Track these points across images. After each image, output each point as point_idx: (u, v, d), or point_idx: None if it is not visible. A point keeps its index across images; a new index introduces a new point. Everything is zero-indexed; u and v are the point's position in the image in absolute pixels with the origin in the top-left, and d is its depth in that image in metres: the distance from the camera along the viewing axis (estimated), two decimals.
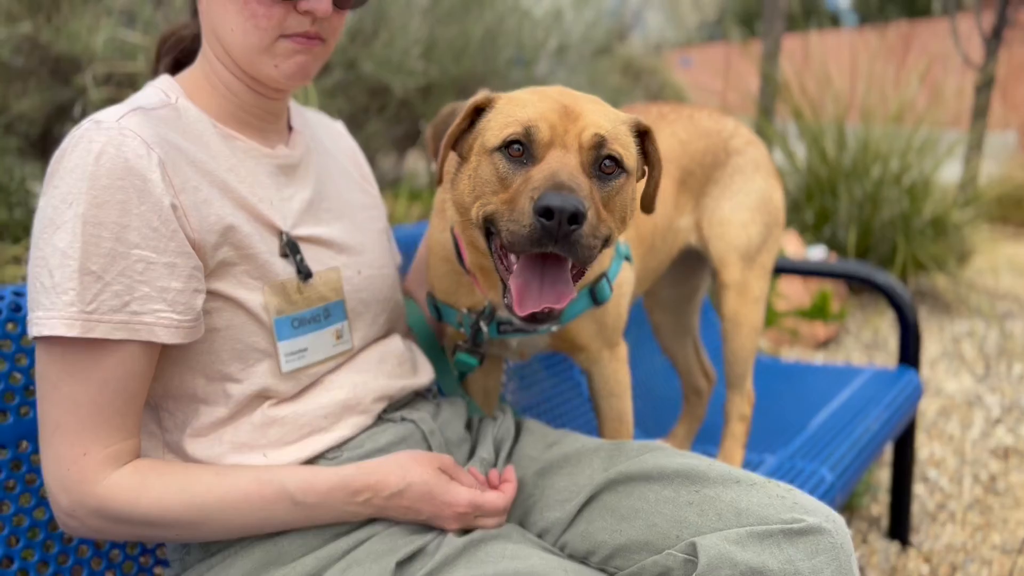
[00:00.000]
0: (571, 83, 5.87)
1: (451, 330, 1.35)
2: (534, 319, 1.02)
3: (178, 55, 1.25)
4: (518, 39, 5.05)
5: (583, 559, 1.13)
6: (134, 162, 1.01)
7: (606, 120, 1.08)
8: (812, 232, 4.96)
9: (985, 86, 6.64)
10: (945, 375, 3.87)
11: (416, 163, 5.46)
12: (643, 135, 1.16)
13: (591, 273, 1.25)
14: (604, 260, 1.27)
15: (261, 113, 1.20)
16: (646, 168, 1.19)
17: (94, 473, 1.02)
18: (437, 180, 1.16)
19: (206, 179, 1.09)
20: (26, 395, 1.19)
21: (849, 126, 5.12)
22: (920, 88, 5.39)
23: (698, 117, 1.62)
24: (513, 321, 1.21)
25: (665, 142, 1.54)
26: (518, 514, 1.22)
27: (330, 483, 1.07)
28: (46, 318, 1.00)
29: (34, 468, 1.20)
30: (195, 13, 1.22)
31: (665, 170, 1.52)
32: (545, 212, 0.95)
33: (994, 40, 6.83)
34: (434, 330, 1.43)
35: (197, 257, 1.07)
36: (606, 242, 1.06)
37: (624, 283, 1.34)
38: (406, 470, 1.09)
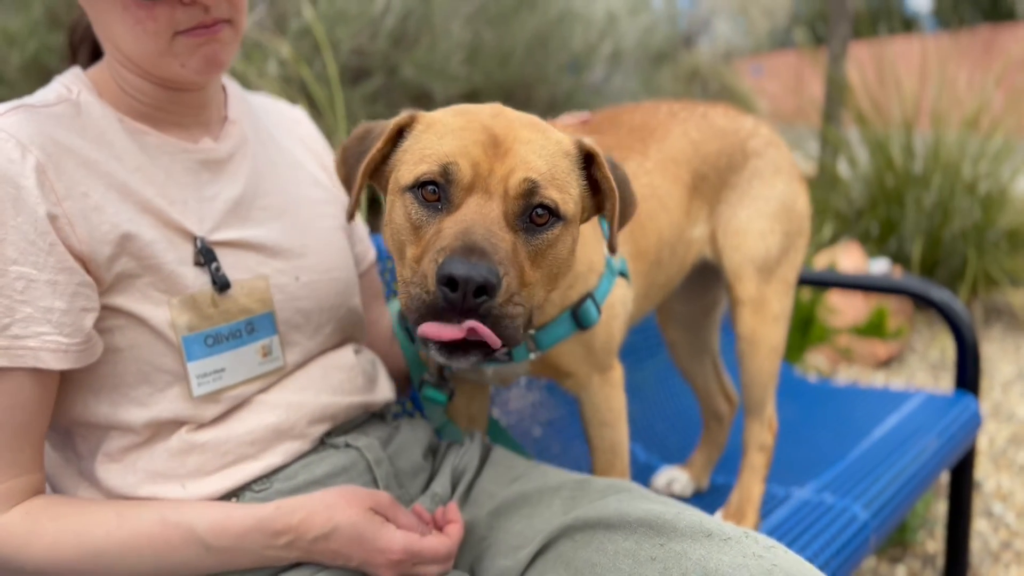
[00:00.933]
0: (626, 90, 5.74)
1: (424, 357, 1.22)
2: (453, 352, 0.88)
3: (94, 45, 1.15)
4: (569, 45, 4.93)
5: None
6: (6, 167, 0.92)
7: (541, 157, 0.92)
8: (876, 244, 4.70)
9: None
10: (1019, 399, 3.59)
11: None
12: (589, 159, 0.99)
13: (573, 292, 1.11)
14: (590, 278, 1.13)
15: (179, 109, 1.09)
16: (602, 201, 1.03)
17: None
18: (348, 216, 1.02)
19: (102, 181, 0.99)
20: None
21: (918, 132, 4.85)
22: (997, 92, 5.07)
23: (712, 115, 1.47)
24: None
25: (676, 143, 1.40)
26: (468, 559, 1.09)
27: (245, 525, 0.95)
28: None
29: None
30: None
31: (676, 175, 1.37)
32: (448, 281, 0.81)
33: None
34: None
35: (84, 272, 0.96)
36: (531, 314, 0.91)
37: (617, 303, 1.19)
38: (332, 510, 0.96)
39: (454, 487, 1.16)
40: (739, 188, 1.44)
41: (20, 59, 3.47)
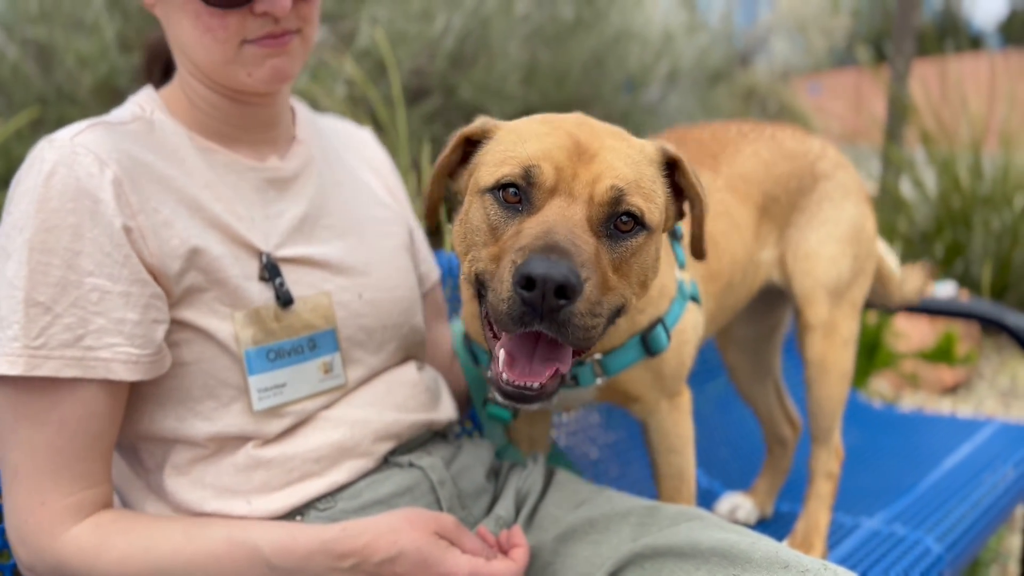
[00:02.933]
0: (683, 109, 5.70)
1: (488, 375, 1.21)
2: (522, 399, 0.86)
3: (165, 65, 1.17)
4: (625, 64, 4.92)
5: None
6: (85, 181, 0.94)
7: (627, 165, 0.90)
8: (942, 267, 4.57)
9: None
10: None
11: None
12: (673, 166, 0.97)
13: (643, 317, 1.08)
14: (661, 303, 1.10)
15: (248, 124, 1.11)
16: (686, 208, 1.01)
17: (52, 525, 0.94)
18: (427, 221, 1.02)
19: (173, 197, 1.01)
20: None
21: (986, 153, 4.72)
22: None
23: (781, 137, 1.44)
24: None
25: (747, 163, 1.37)
26: None
27: (310, 547, 0.95)
28: None
29: None
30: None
31: (747, 194, 1.34)
32: (527, 283, 0.78)
33: None
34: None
35: (156, 284, 0.98)
36: (618, 312, 0.89)
37: (688, 328, 1.16)
38: (398, 534, 0.95)
39: (518, 510, 1.14)
40: (809, 211, 1.41)
41: (92, 81, 3.59)
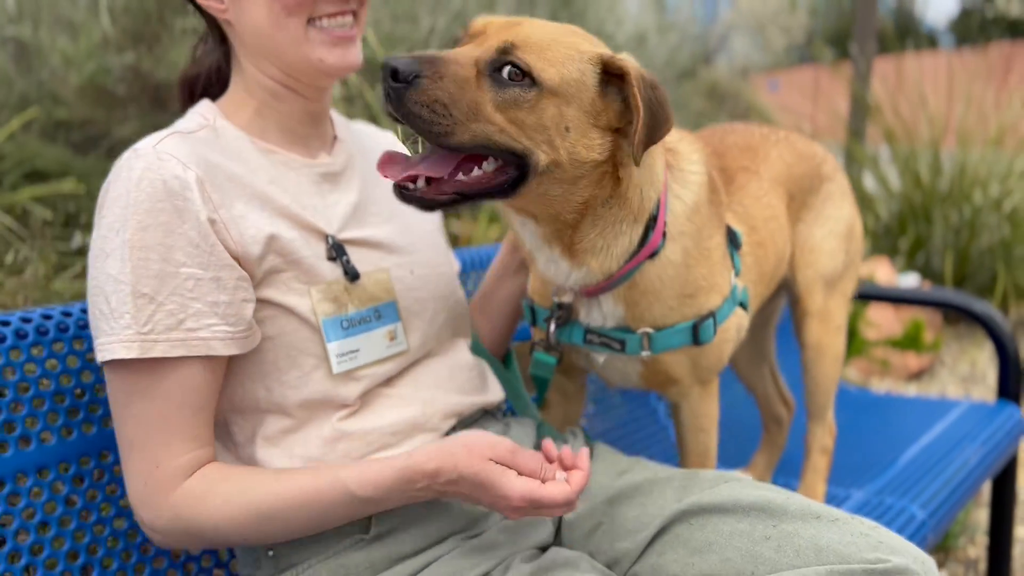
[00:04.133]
0: None
1: (537, 334, 1.32)
2: (403, 196, 1.04)
3: (203, 90, 1.27)
4: None
5: None
6: (172, 183, 1.05)
7: (541, 34, 1.03)
8: (905, 259, 4.79)
9: None
10: None
11: None
12: (619, 78, 1.06)
13: (697, 304, 1.21)
14: (713, 297, 1.23)
15: (303, 117, 1.22)
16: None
17: (167, 484, 1.06)
18: None
19: (245, 193, 1.12)
20: (89, 411, 1.24)
21: (945, 150, 4.95)
22: (1023, 110, 5.16)
23: (794, 140, 1.59)
24: (603, 330, 1.20)
25: (775, 165, 1.50)
26: (588, 543, 1.20)
27: (385, 475, 1.06)
28: (107, 343, 1.04)
29: (116, 479, 1.25)
30: (222, 40, 1.24)
31: (777, 193, 1.46)
32: (384, 72, 0.97)
33: None
34: (495, 354, 1.43)
35: (240, 268, 1.09)
36: (517, 157, 1.03)
37: (732, 328, 1.29)
38: (456, 459, 1.05)
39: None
40: (815, 209, 1.55)
41: (78, 80, 3.60)
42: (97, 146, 3.76)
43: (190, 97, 1.29)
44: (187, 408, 1.06)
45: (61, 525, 1.18)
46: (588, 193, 1.11)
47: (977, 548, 2.49)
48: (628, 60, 1.07)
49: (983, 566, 2.37)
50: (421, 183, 1.04)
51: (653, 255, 1.17)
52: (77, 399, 1.22)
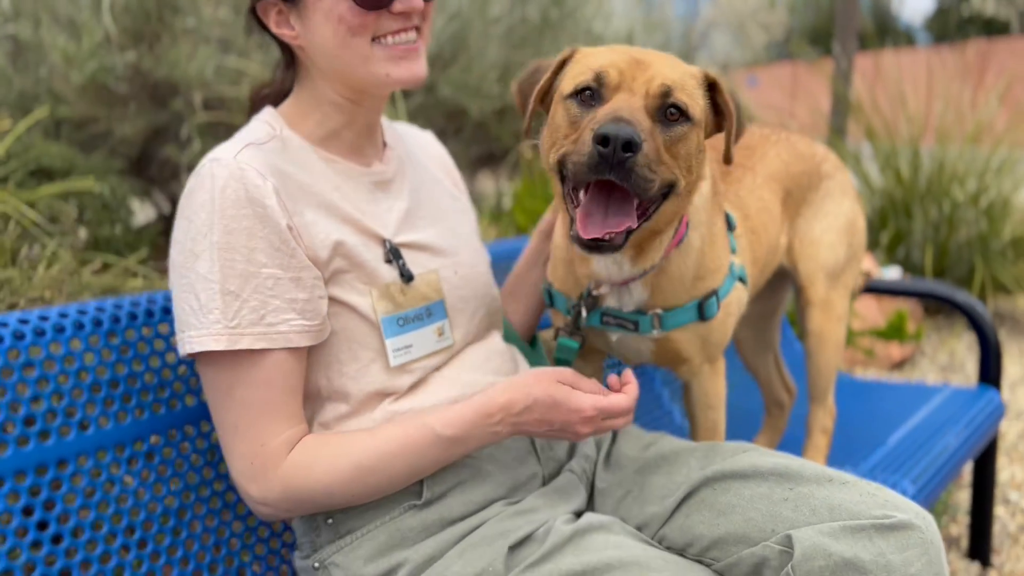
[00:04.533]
0: None
1: (559, 320, 1.42)
2: (598, 248, 1.10)
3: (269, 100, 1.36)
4: None
5: (680, 551, 1.21)
6: (253, 192, 1.14)
7: (674, 71, 1.14)
8: (887, 253, 4.94)
9: None
10: None
11: (485, 184, 5.59)
12: (713, 88, 1.20)
13: (703, 285, 1.31)
14: (717, 277, 1.34)
15: (362, 128, 1.31)
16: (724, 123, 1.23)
17: (273, 460, 1.16)
18: (524, 133, 1.26)
19: (313, 201, 1.21)
20: (174, 389, 1.35)
21: (924, 147, 5.09)
22: (1000, 107, 5.32)
23: (794, 140, 1.70)
24: (619, 313, 1.29)
25: (773, 163, 1.61)
26: (619, 508, 1.31)
27: (466, 415, 1.17)
28: (197, 336, 1.14)
29: (213, 445, 1.37)
30: (287, 65, 1.33)
31: (771, 189, 1.58)
32: (602, 140, 1.02)
33: None
34: (523, 338, 1.53)
35: (315, 268, 1.19)
36: (671, 188, 1.12)
37: (733, 303, 1.40)
38: (529, 387, 1.17)
39: (597, 452, 1.37)
40: (814, 205, 1.67)
41: (79, 79, 3.64)
42: (97, 144, 3.80)
43: (255, 109, 1.37)
44: (284, 391, 1.16)
45: (119, 503, 1.27)
46: (688, 204, 1.24)
47: (959, 527, 2.62)
48: (713, 71, 1.21)
49: (965, 543, 2.51)
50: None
51: (678, 243, 1.28)
52: (130, 386, 1.32)
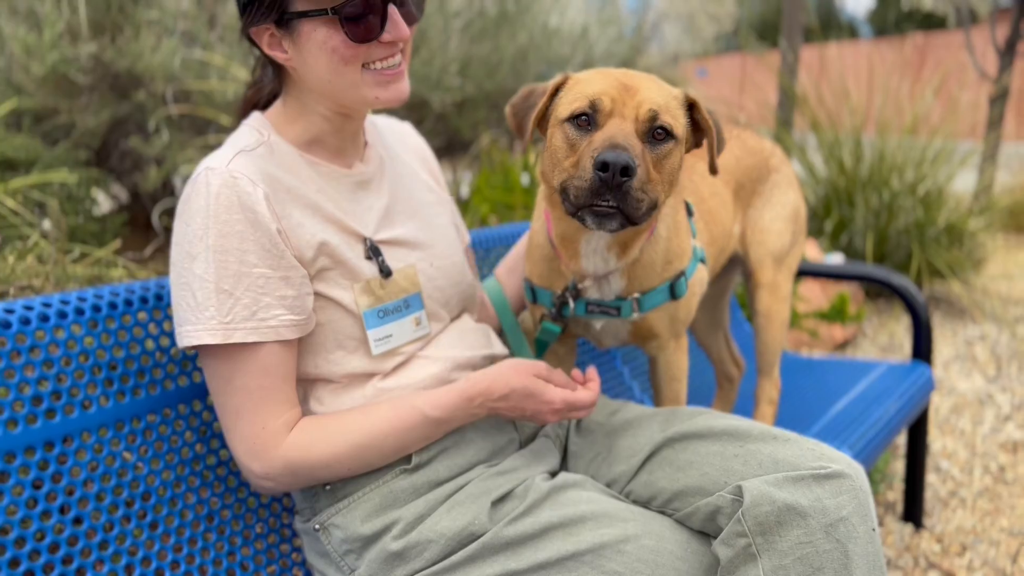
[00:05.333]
0: None
1: (540, 313, 1.53)
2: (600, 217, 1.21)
3: (256, 105, 1.43)
4: (546, 56, 5.28)
5: (645, 504, 1.34)
6: (245, 199, 1.23)
7: (659, 95, 1.26)
8: (830, 240, 5.14)
9: (999, 98, 6.81)
10: (958, 376, 4.05)
11: (445, 174, 5.69)
12: (692, 107, 1.33)
13: (672, 268, 1.45)
14: (683, 260, 1.47)
15: (346, 136, 1.39)
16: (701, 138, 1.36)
17: (275, 439, 1.26)
18: (523, 151, 1.37)
19: (300, 203, 1.30)
20: (167, 370, 1.44)
21: (866, 138, 5.30)
22: (935, 100, 5.57)
23: (745, 137, 1.84)
24: (602, 302, 1.41)
25: (724, 158, 1.74)
26: (590, 468, 1.43)
27: (451, 398, 1.30)
28: (194, 331, 1.23)
29: (205, 423, 1.46)
30: (274, 69, 1.38)
31: (724, 182, 1.72)
32: (602, 166, 1.14)
33: (1008, 53, 7.01)
34: (514, 311, 1.65)
35: (302, 267, 1.28)
36: (654, 205, 1.24)
37: (697, 283, 1.53)
38: (508, 378, 1.31)
39: (568, 420, 1.49)
40: (764, 195, 1.82)
41: (40, 70, 3.63)
42: (58, 135, 3.80)
43: (245, 114, 1.44)
44: (279, 378, 1.26)
45: (120, 476, 1.35)
46: (669, 209, 1.36)
47: (895, 493, 2.82)
48: (692, 92, 1.34)
49: (900, 507, 2.70)
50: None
51: (650, 236, 1.41)
52: (127, 368, 1.40)
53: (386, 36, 1.28)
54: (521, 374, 1.32)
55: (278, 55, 1.31)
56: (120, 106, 3.91)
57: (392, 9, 1.28)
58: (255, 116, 1.39)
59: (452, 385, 1.32)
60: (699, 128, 1.35)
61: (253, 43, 1.33)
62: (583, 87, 1.26)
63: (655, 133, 1.24)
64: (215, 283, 1.21)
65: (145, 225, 4.06)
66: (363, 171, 1.42)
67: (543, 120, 1.34)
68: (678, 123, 1.27)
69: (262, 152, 1.31)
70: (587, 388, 1.38)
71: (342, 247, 1.32)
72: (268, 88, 1.42)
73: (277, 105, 1.40)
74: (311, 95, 1.34)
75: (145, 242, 3.86)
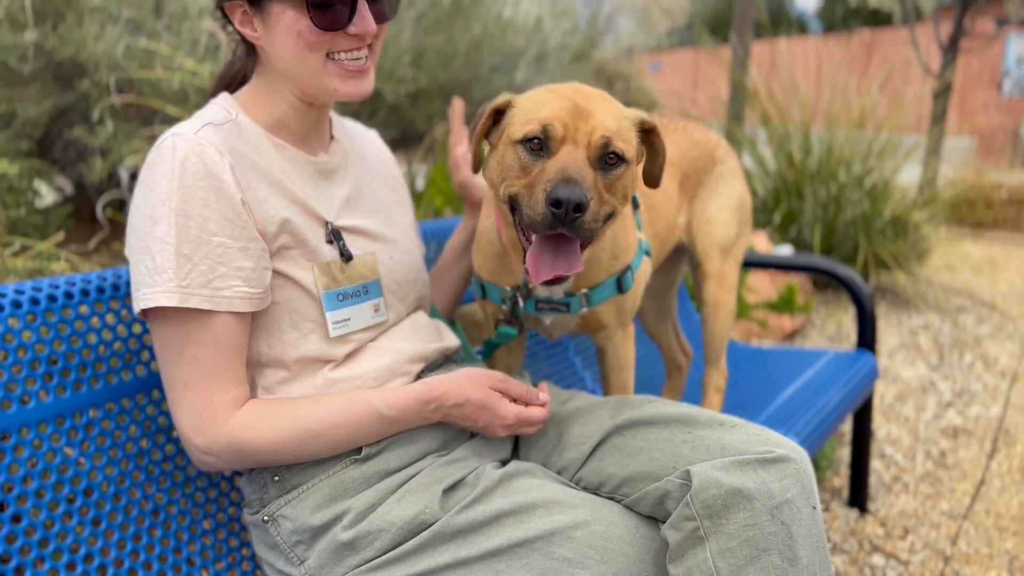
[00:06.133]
0: None
1: (491, 308, 1.55)
2: (550, 284, 1.23)
3: (228, 86, 1.44)
4: (500, 47, 5.27)
5: (595, 490, 1.35)
6: (211, 166, 1.23)
7: (612, 119, 1.26)
8: (779, 232, 5.23)
9: (942, 93, 6.99)
10: (902, 364, 4.16)
11: (400, 166, 5.65)
12: (647, 129, 1.35)
13: (619, 263, 1.47)
14: (629, 254, 1.49)
15: (309, 123, 1.40)
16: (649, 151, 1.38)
17: (221, 415, 1.25)
18: (473, 169, 1.37)
19: (265, 180, 1.31)
20: (111, 364, 1.41)
21: (814, 131, 5.40)
22: (881, 95, 5.69)
23: (691, 129, 1.86)
24: (552, 298, 1.43)
25: (669, 149, 1.75)
26: (541, 456, 1.45)
27: (408, 399, 1.31)
28: (151, 293, 1.22)
29: (149, 417, 1.44)
30: (249, 51, 1.39)
31: (669, 173, 1.74)
32: (555, 203, 1.15)
33: (951, 49, 7.20)
34: (457, 319, 1.66)
35: (263, 241, 1.28)
36: (610, 217, 1.26)
37: (642, 275, 1.55)
38: (464, 387, 1.32)
39: None
40: (709, 187, 1.84)
41: None
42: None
43: (216, 92, 1.44)
44: (229, 352, 1.25)
45: (61, 472, 1.33)
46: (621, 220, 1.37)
47: (841, 479, 2.88)
48: (648, 116, 1.35)
49: (846, 493, 2.77)
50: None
51: None
52: (68, 361, 1.37)
53: (352, 28, 1.29)
54: (479, 386, 1.33)
55: (248, 32, 1.32)
56: (63, 95, 3.82)
57: (362, 3, 1.29)
58: (223, 96, 1.39)
59: (410, 386, 1.33)
60: (650, 141, 1.37)
61: (227, 18, 1.35)
62: (535, 109, 1.26)
63: (607, 159, 1.25)
64: (175, 246, 1.21)
65: (90, 218, 3.97)
66: (327, 160, 1.43)
67: (490, 134, 1.35)
68: (630, 147, 1.28)
69: (230, 128, 1.32)
70: (539, 405, 1.39)
71: (304, 227, 1.33)
72: (240, 66, 1.42)
73: (247, 87, 1.41)
74: (278, 78, 1.35)
75: (89, 235, 3.78)
